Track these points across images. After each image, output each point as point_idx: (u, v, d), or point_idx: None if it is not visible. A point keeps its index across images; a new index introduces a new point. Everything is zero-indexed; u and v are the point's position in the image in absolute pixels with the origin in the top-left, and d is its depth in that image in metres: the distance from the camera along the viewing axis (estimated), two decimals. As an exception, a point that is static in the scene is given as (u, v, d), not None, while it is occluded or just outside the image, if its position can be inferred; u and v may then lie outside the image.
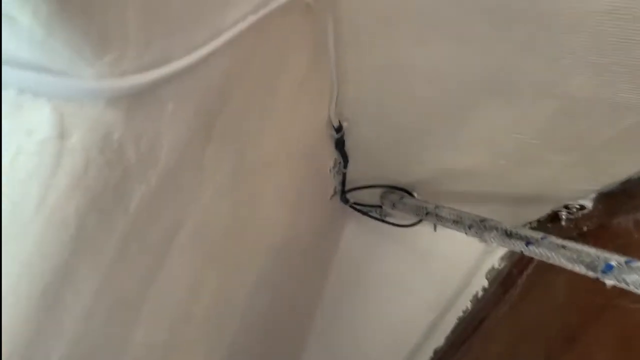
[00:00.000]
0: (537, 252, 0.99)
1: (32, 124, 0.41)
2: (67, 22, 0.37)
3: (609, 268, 0.83)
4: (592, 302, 1.34)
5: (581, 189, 1.38)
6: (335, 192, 1.59)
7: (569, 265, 0.92)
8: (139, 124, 0.47)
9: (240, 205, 0.83)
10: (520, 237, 1.04)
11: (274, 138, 0.86)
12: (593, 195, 1.44)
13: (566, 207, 1.51)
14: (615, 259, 0.83)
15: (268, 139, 0.84)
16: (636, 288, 0.79)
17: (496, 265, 1.96)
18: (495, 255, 1.94)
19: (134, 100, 0.46)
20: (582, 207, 1.48)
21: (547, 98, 0.97)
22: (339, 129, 1.19)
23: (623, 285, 0.81)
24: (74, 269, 0.46)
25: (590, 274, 0.87)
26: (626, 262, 0.81)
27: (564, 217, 1.54)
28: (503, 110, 1.03)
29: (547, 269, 1.67)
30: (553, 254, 0.95)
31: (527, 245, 1.02)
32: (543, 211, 1.59)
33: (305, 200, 1.30)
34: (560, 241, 0.96)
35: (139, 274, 0.58)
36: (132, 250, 0.55)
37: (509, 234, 1.08)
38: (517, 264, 1.85)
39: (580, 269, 0.89)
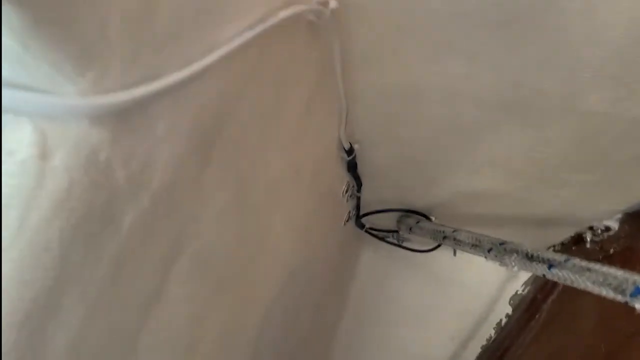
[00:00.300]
0: (560, 275, 0.94)
1: (13, 143, 0.39)
2: (43, 36, 0.35)
3: (638, 291, 0.78)
4: (622, 329, 1.27)
5: (605, 210, 1.32)
6: (349, 217, 1.56)
7: (595, 289, 0.87)
8: (127, 144, 0.45)
9: (246, 231, 0.80)
10: (542, 260, 0.99)
11: (280, 161, 0.84)
12: (618, 216, 1.39)
13: (591, 228, 1.45)
14: (644, 282, 0.78)
15: (274, 162, 0.81)
16: (669, 312, 0.74)
17: (520, 291, 1.89)
18: (518, 280, 1.88)
19: (121, 119, 0.44)
20: (608, 229, 1.42)
21: (566, 114, 0.93)
22: (350, 151, 1.16)
23: (654, 310, 0.75)
24: (58, 297, 0.43)
25: (619, 297, 0.82)
26: (657, 285, 0.76)
27: (588, 239, 1.48)
28: (520, 128, 1.00)
29: (574, 294, 1.61)
30: (577, 277, 0.90)
31: (549, 269, 0.97)
32: (566, 234, 1.53)
33: (318, 225, 1.27)
34: (584, 263, 0.91)
35: (133, 303, 0.55)
36: (125, 277, 0.52)
37: (530, 257, 1.03)
38: (542, 289, 1.78)
39: (607, 293, 0.84)
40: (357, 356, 2.19)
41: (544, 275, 0.99)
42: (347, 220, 1.55)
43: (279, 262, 1.03)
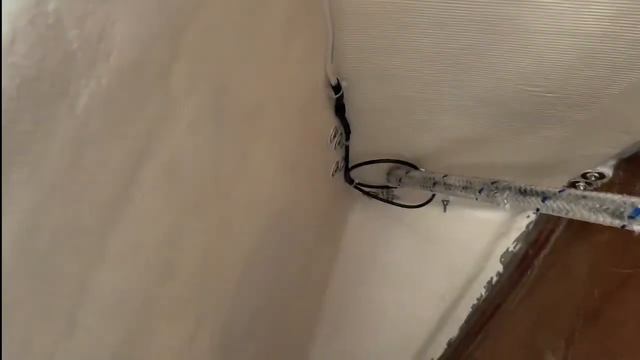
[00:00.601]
0: (555, 207, 0.90)
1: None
2: None
3: (637, 212, 0.74)
4: (615, 273, 1.24)
5: (600, 154, 1.29)
6: (338, 168, 1.51)
7: (591, 217, 0.83)
8: (80, -2, 0.40)
9: (224, 150, 0.76)
10: (535, 194, 0.96)
11: (261, 80, 0.79)
12: (613, 162, 1.35)
13: (584, 176, 1.42)
14: (644, 202, 0.74)
15: (253, 79, 0.76)
16: (670, 231, 0.70)
17: (511, 248, 1.86)
18: (509, 237, 1.85)
19: (72, -35, 0.39)
20: (602, 176, 1.39)
21: (562, 36, 0.88)
22: (337, 89, 1.11)
23: (654, 230, 0.72)
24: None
25: (616, 222, 0.78)
26: (656, 203, 0.73)
27: (582, 187, 1.45)
28: (515, 54, 0.95)
29: (565, 247, 1.58)
30: (572, 206, 0.86)
31: (543, 201, 0.93)
32: (559, 182, 1.49)
33: (304, 169, 1.22)
34: (580, 192, 0.87)
35: (98, 200, 0.51)
36: (86, 166, 0.47)
37: (523, 192, 0.99)
38: (533, 245, 1.75)
39: (604, 219, 0.80)
40: (347, 317, 2.17)
41: (537, 210, 0.96)
42: (336, 171, 1.51)
43: (262, 196, 0.99)
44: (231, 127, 0.76)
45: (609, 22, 0.84)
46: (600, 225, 0.83)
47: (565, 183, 1.48)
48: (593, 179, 1.39)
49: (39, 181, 0.43)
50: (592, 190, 1.44)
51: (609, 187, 1.38)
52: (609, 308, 1.22)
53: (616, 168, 1.35)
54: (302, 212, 1.32)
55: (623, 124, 1.14)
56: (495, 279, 1.93)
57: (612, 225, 0.80)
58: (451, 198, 1.82)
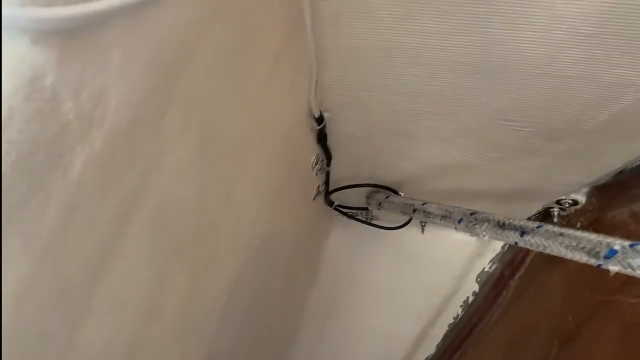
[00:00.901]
0: (532, 242, 0.93)
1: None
2: None
3: (612, 253, 0.77)
4: (589, 299, 1.28)
5: (574, 182, 1.33)
6: (319, 192, 1.52)
7: (568, 254, 0.86)
8: (76, 70, 0.40)
9: (210, 189, 0.76)
10: (514, 228, 0.98)
11: (247, 117, 0.79)
12: (586, 190, 1.39)
13: (558, 202, 1.45)
14: (618, 243, 0.77)
15: (240, 118, 0.77)
16: (643, 273, 0.73)
17: (487, 268, 1.90)
18: (485, 258, 1.88)
19: (68, 40, 0.39)
20: (575, 202, 1.42)
21: (540, 77, 0.91)
22: (320, 120, 1.12)
23: (629, 271, 0.74)
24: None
25: (592, 261, 0.81)
26: (631, 246, 0.75)
27: (556, 213, 1.49)
28: (495, 92, 0.98)
29: (540, 269, 1.62)
30: (550, 242, 0.89)
31: (521, 236, 0.95)
32: (534, 208, 1.53)
33: (286, 196, 1.23)
34: (557, 229, 0.90)
35: (87, 258, 0.50)
36: (78, 228, 0.47)
37: (501, 225, 1.01)
38: (509, 266, 1.79)
39: (580, 257, 0.83)
40: (324, 336, 2.18)
41: (516, 243, 0.98)
42: (317, 195, 1.52)
43: (246, 227, 0.99)
44: (217, 166, 0.76)
45: (583, 66, 0.87)
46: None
47: (540, 208, 1.52)
48: (567, 205, 1.43)
49: (32, 249, 0.42)
50: (565, 217, 1.49)
51: (582, 213, 1.42)
52: (584, 333, 1.25)
53: (589, 195, 1.39)
54: (284, 237, 1.33)
55: (596, 155, 1.17)
56: (471, 298, 1.96)
57: (588, 263, 0.83)
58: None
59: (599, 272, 1.27)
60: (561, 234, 0.88)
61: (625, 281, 1.15)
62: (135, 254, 0.60)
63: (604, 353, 1.16)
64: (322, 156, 1.34)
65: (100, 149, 0.46)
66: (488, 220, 1.05)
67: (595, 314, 1.23)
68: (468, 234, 1.12)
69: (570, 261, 1.42)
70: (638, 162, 1.19)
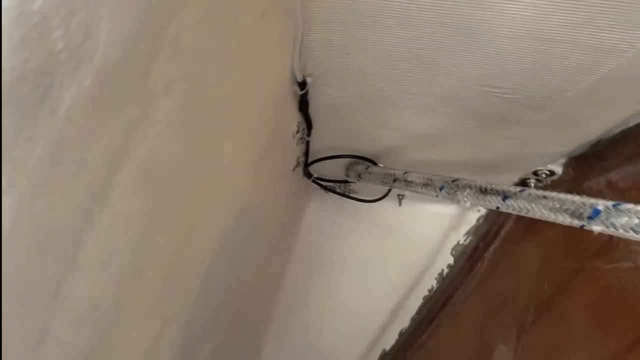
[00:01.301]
0: (515, 206, 0.94)
1: None
2: None
3: (596, 213, 0.78)
4: (564, 267, 1.31)
5: (552, 152, 1.34)
6: (298, 163, 1.51)
7: (551, 217, 0.87)
8: (66, -3, 0.38)
9: (197, 148, 0.74)
10: (496, 193, 0.99)
11: (233, 74, 0.77)
12: (563, 160, 1.41)
13: (535, 173, 1.47)
14: (602, 204, 0.78)
15: (227, 74, 0.75)
16: (625, 231, 0.74)
17: (462, 241, 1.92)
18: (460, 230, 1.90)
19: (59, -39, 0.36)
20: (552, 173, 1.44)
21: (524, 41, 0.91)
22: (302, 85, 1.10)
23: (612, 231, 0.76)
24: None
25: (576, 222, 0.82)
26: (614, 206, 0.76)
27: (532, 184, 1.51)
28: (479, 56, 0.97)
29: (515, 241, 1.64)
30: (533, 205, 0.90)
31: (504, 200, 0.96)
32: (511, 179, 1.55)
33: (268, 165, 1.21)
34: (540, 192, 0.90)
35: (73, 203, 0.48)
36: (65, 170, 0.45)
37: (484, 191, 1.02)
38: (483, 238, 1.81)
39: (564, 219, 0.84)
40: (300, 311, 2.18)
41: (497, 208, 0.99)
42: (296, 167, 1.50)
43: (229, 192, 0.97)
44: (203, 125, 0.74)
45: (567, 29, 0.87)
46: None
47: (516, 180, 1.54)
48: (544, 176, 1.45)
49: (19, 188, 0.40)
50: (542, 188, 1.51)
51: (558, 184, 1.44)
52: (559, 300, 1.28)
53: (566, 166, 1.41)
54: (264, 208, 1.31)
55: (576, 124, 1.19)
56: (446, 271, 1.99)
57: (572, 225, 0.84)
58: (407, 193, 1.84)
59: (574, 240, 1.30)
60: (544, 197, 0.88)
61: (599, 248, 1.18)
62: (123, 208, 0.58)
63: (579, 318, 1.18)
64: (303, 125, 1.32)
65: (90, 86, 0.43)
66: (470, 187, 1.06)
67: (570, 281, 1.26)
68: (449, 201, 1.13)
69: (545, 231, 1.46)
70: (615, 132, 1.22)
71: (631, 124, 1.17)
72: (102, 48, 0.43)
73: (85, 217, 0.51)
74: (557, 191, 1.44)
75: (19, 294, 0.45)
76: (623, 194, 1.20)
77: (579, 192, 1.34)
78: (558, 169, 1.42)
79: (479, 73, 1.03)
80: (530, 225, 1.52)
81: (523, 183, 1.54)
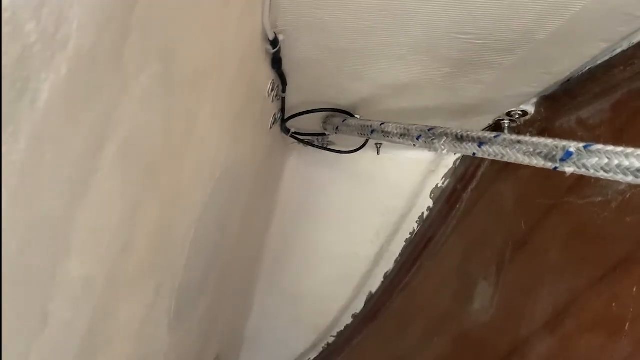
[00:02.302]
0: (491, 151, 0.96)
1: None
2: None
3: (568, 155, 0.81)
4: (540, 204, 1.36)
5: (524, 93, 1.37)
6: (275, 120, 1.51)
7: (525, 160, 0.89)
8: (34, -12, 0.37)
9: (174, 119, 0.74)
10: (472, 139, 1.01)
11: (204, 41, 0.76)
12: (535, 100, 1.44)
13: (508, 114, 1.50)
14: (574, 146, 0.80)
15: (198, 41, 0.74)
16: (596, 171, 0.77)
17: (440, 184, 1.96)
18: (438, 174, 1.94)
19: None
20: (525, 113, 1.47)
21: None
22: (274, 42, 1.09)
23: (583, 171, 0.79)
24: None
25: (549, 165, 0.85)
26: (585, 147, 0.79)
27: (506, 125, 1.54)
28: (447, 2, 0.97)
29: (492, 181, 1.69)
30: (508, 150, 0.92)
31: (480, 146, 0.99)
32: (485, 122, 1.58)
33: (245, 125, 1.21)
34: (514, 137, 0.93)
35: (59, 191, 0.49)
36: (48, 159, 0.45)
37: (460, 138, 1.04)
38: (461, 180, 1.86)
39: (537, 162, 0.87)
40: (288, 258, 2.23)
41: (474, 154, 1.01)
42: (273, 124, 1.50)
43: (210, 157, 0.98)
44: (180, 95, 0.73)
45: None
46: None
47: (490, 122, 1.57)
48: (517, 116, 1.48)
49: (8, 183, 0.41)
50: (515, 128, 1.54)
51: (531, 123, 1.48)
52: (535, 236, 1.33)
53: (538, 106, 1.44)
54: (244, 167, 1.32)
55: (546, 65, 1.21)
56: (426, 213, 2.04)
57: (545, 167, 0.87)
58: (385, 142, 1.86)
59: (548, 178, 1.35)
60: (519, 142, 0.91)
61: (573, 184, 1.22)
62: (108, 188, 0.59)
63: (554, 252, 1.24)
64: (278, 82, 1.31)
65: (66, 74, 0.43)
66: (446, 135, 1.08)
67: (545, 217, 1.31)
68: (427, 149, 1.15)
69: (521, 170, 1.50)
70: (584, 70, 1.24)
71: (599, 61, 1.19)
72: (75, 35, 0.43)
73: (73, 202, 0.52)
74: (531, 131, 1.48)
75: (16, 284, 0.46)
76: (593, 130, 1.23)
77: (551, 131, 1.38)
78: (530, 109, 1.45)
79: (447, 20, 1.03)
80: (506, 166, 1.56)
81: (497, 125, 1.57)
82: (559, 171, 0.84)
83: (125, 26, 0.52)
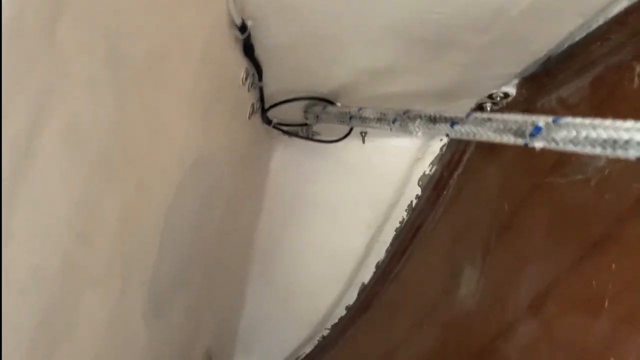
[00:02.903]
0: (463, 131, 0.94)
1: None
2: None
3: (537, 130, 0.79)
4: (523, 185, 1.34)
5: (504, 74, 1.35)
6: (254, 110, 1.49)
7: (496, 138, 0.88)
8: None
9: (129, 107, 0.72)
10: (444, 120, 0.99)
11: (158, 22, 0.74)
12: (515, 81, 1.42)
13: (490, 97, 1.48)
14: (542, 120, 0.79)
15: (150, 24, 0.72)
16: (565, 144, 0.76)
17: (427, 171, 1.94)
18: (425, 161, 1.92)
19: None
20: (506, 95, 1.45)
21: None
22: (243, 29, 1.07)
23: (552, 146, 0.77)
24: None
25: (519, 141, 0.83)
26: (553, 121, 0.77)
27: (488, 108, 1.52)
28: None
29: (477, 166, 1.67)
30: (479, 129, 0.91)
31: (452, 126, 0.97)
32: (468, 105, 1.55)
33: (218, 115, 1.19)
34: (485, 115, 0.91)
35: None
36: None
37: (433, 119, 1.02)
38: (447, 166, 1.84)
39: (508, 139, 0.85)
40: (279, 254, 2.21)
41: (447, 135, 1.00)
42: (252, 114, 1.48)
43: (177, 145, 0.96)
44: (131, 80, 0.72)
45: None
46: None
47: (473, 105, 1.54)
48: (498, 98, 1.46)
49: None
50: (498, 110, 1.52)
51: (513, 105, 1.46)
52: (518, 219, 1.31)
53: (519, 87, 1.41)
54: (221, 157, 1.30)
55: (523, 43, 1.19)
56: (415, 202, 2.02)
57: (516, 144, 0.85)
58: (369, 129, 1.84)
59: (531, 159, 1.33)
60: (489, 119, 0.89)
61: (554, 164, 1.20)
62: (51, 174, 0.57)
63: (537, 233, 1.22)
64: (252, 70, 1.29)
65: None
66: (420, 117, 1.06)
67: (527, 199, 1.29)
68: (402, 133, 1.13)
69: (504, 153, 1.48)
70: (562, 48, 1.22)
71: (577, 38, 1.17)
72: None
73: (10, 188, 0.50)
74: (513, 112, 1.46)
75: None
76: (573, 108, 1.21)
77: (533, 112, 1.36)
78: (512, 90, 1.43)
79: (420, 3, 1.01)
80: (490, 150, 1.55)
81: (480, 108, 1.54)
82: (539, 151, 0.83)
83: (57, 6, 0.50)
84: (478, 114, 0.93)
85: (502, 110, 1.50)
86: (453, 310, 1.51)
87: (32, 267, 0.58)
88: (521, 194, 1.33)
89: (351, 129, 1.78)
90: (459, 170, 1.77)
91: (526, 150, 0.88)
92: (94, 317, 0.78)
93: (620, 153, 0.66)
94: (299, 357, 2.59)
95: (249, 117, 1.47)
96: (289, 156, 1.97)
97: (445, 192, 1.84)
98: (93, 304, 0.76)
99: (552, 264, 1.13)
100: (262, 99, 1.51)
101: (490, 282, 1.35)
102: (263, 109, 1.59)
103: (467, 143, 1.73)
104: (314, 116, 1.54)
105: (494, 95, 1.46)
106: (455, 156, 1.79)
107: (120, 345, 0.92)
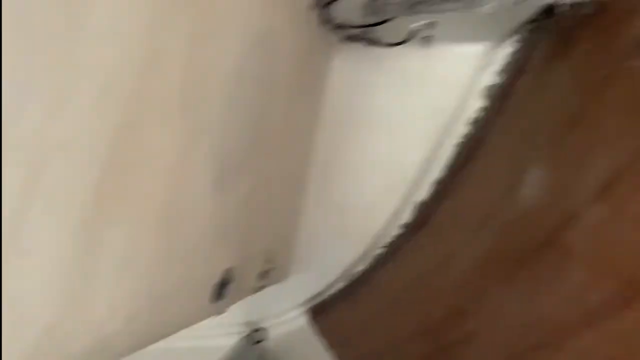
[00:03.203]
0: None
1: None
2: None
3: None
4: (596, 77, 1.27)
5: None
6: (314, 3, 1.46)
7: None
8: None
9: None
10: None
11: None
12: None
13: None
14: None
15: None
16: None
17: (492, 81, 1.86)
18: (490, 69, 1.84)
19: None
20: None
21: None
22: None
23: None
24: None
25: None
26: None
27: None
28: None
29: (545, 68, 1.59)
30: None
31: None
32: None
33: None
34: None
35: None
36: None
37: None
38: (514, 73, 1.76)
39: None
40: (333, 170, 2.22)
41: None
42: (311, 8, 1.45)
43: (241, 15, 0.95)
44: None
45: None
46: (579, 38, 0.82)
47: None
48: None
49: None
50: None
51: None
52: (590, 110, 1.25)
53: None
54: (281, 41, 1.29)
55: None
56: (476, 114, 1.95)
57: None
58: (434, 33, 1.78)
59: (606, 47, 1.25)
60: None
61: (631, 48, 1.13)
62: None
63: (611, 122, 1.16)
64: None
65: None
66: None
67: (603, 89, 1.23)
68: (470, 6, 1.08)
69: (575, 50, 1.40)
70: None
71: None
72: None
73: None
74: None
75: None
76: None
77: None
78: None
79: None
80: (558, 52, 1.47)
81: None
82: (617, 36, 0.77)
83: None
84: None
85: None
86: (515, 209, 1.47)
87: (108, 73, 0.60)
88: (595, 85, 1.27)
89: (414, 35, 1.72)
90: (526, 76, 1.69)
91: (599, 43, 0.82)
92: (163, 152, 0.80)
93: None
94: (354, 274, 2.62)
95: (309, 9, 1.45)
96: (346, 64, 1.94)
97: (510, 101, 1.77)
98: (161, 139, 0.78)
99: (625, 148, 1.08)
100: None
101: (554, 177, 1.31)
102: (322, 6, 1.56)
103: (533, 48, 1.65)
104: (374, 10, 1.49)
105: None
106: (521, 63, 1.72)
107: (186, 198, 0.95)
